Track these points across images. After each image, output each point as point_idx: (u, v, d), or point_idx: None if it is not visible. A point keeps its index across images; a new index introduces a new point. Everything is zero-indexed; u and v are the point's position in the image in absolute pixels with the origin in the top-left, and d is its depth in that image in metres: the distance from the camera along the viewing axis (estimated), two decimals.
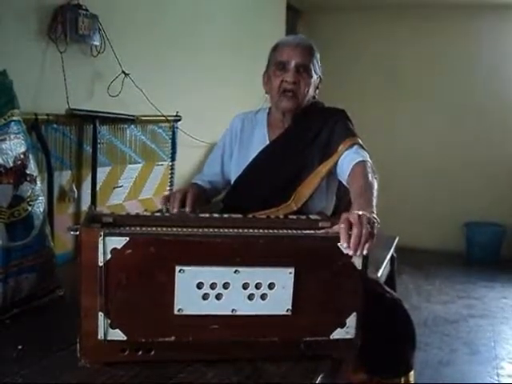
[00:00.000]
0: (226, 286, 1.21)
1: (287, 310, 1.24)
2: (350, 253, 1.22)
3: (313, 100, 1.83)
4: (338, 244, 1.22)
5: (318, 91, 1.85)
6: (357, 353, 1.36)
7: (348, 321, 1.28)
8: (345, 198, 1.78)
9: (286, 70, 1.72)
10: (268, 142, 1.83)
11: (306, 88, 1.74)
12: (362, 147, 1.70)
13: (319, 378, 1.22)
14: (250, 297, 1.22)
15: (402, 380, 1.71)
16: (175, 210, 1.64)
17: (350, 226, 1.22)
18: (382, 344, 1.60)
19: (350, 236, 1.21)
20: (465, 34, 5.37)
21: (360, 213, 1.26)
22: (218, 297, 1.21)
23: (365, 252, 1.21)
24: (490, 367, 3.05)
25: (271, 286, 1.22)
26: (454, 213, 5.42)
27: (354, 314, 1.28)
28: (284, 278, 1.22)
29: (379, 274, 2.17)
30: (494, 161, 5.36)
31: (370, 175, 1.54)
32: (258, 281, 1.22)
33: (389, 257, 2.49)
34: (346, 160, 1.66)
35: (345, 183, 1.67)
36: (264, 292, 1.23)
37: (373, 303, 1.34)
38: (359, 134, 1.75)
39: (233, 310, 1.22)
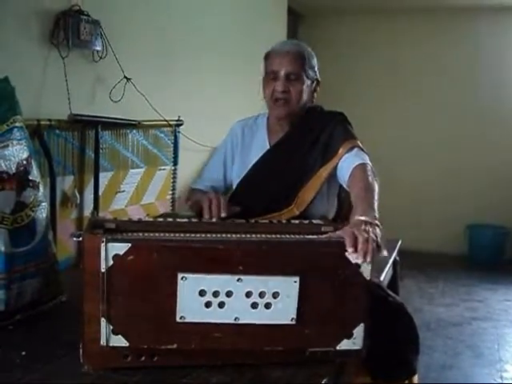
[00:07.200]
0: (228, 294, 1.19)
1: (292, 319, 1.22)
2: (359, 261, 1.20)
3: (311, 104, 1.83)
4: (346, 254, 1.20)
5: (315, 95, 1.85)
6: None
7: (355, 332, 1.26)
8: (346, 201, 1.77)
9: (277, 79, 1.72)
10: (268, 147, 1.83)
11: (297, 95, 1.73)
12: (362, 150, 1.70)
13: (323, 382, 1.22)
14: (254, 305, 1.20)
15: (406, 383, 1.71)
16: (219, 216, 1.54)
17: (355, 236, 1.21)
18: (385, 347, 1.60)
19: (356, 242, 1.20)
20: (465, 36, 5.38)
21: (363, 218, 1.27)
22: (221, 305, 1.19)
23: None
24: (494, 370, 3.04)
25: (275, 294, 1.20)
26: (457, 215, 5.41)
27: (362, 324, 1.26)
28: (289, 287, 1.20)
29: (382, 278, 2.17)
30: (496, 162, 5.35)
31: (370, 178, 1.53)
32: (262, 289, 1.20)
33: (391, 260, 2.48)
34: (346, 163, 1.66)
35: (345, 186, 1.67)
36: (268, 301, 1.20)
37: (376, 307, 1.34)
38: (360, 137, 1.75)
39: (236, 319, 1.20)
